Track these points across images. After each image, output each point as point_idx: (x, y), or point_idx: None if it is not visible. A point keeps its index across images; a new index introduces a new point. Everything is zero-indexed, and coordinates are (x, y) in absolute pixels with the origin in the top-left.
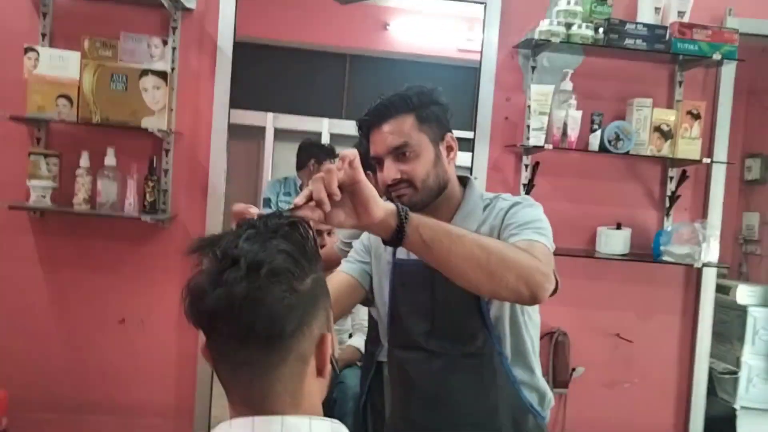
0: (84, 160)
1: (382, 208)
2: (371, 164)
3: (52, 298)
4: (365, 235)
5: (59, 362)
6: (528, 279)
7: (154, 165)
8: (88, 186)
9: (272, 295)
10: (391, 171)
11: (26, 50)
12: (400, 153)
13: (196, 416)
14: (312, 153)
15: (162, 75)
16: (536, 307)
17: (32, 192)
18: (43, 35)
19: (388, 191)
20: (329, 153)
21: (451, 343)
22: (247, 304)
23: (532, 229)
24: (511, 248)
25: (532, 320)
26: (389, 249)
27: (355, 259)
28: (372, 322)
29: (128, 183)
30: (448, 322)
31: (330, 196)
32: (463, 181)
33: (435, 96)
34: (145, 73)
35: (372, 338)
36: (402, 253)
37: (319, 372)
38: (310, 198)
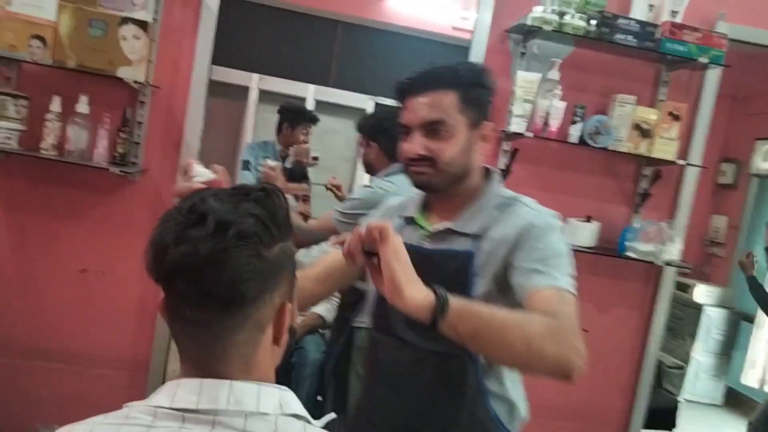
0: (55, 105)
1: (414, 299)
2: (398, 130)
3: (12, 241)
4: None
5: (14, 307)
6: (563, 367)
7: (128, 116)
8: (57, 132)
9: (237, 258)
10: (416, 145)
11: None
12: (431, 129)
13: (151, 370)
14: (286, 116)
15: (142, 25)
16: None
17: None
18: None
19: (407, 165)
20: (305, 118)
21: (426, 338)
22: (209, 265)
23: (558, 270)
24: (551, 334)
25: None
26: None
27: None
28: (350, 290)
29: (99, 132)
30: None
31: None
32: (486, 173)
33: (484, 78)
34: (125, 21)
35: (346, 304)
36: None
37: (275, 340)
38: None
